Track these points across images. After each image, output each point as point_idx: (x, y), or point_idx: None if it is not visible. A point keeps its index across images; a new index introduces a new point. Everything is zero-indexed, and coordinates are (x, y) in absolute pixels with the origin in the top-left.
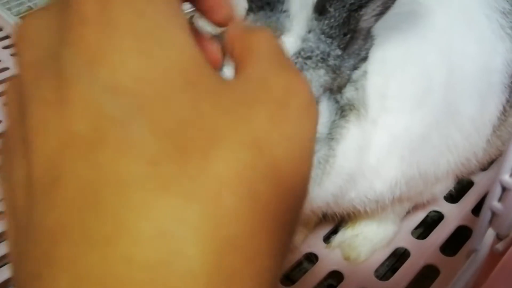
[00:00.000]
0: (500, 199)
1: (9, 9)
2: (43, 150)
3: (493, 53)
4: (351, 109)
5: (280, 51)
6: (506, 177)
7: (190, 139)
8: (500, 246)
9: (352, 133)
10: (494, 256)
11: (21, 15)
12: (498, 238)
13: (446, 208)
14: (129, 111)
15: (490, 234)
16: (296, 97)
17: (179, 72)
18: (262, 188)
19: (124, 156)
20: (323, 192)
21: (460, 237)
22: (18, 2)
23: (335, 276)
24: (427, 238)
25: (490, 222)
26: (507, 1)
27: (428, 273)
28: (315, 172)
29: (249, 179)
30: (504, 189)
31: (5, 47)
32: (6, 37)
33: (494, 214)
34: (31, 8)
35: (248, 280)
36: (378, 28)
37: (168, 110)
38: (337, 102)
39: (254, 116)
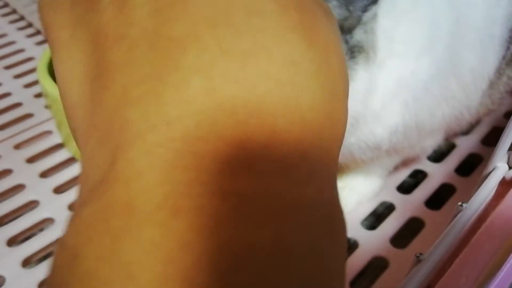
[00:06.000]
0: None
1: None
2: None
3: (497, 5)
4: (360, 52)
5: None
6: None
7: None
8: (511, 172)
9: (360, 75)
10: (505, 183)
11: None
12: (509, 166)
13: (430, 167)
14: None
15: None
16: None
17: None
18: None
19: None
20: None
21: (443, 194)
22: None
23: None
24: (412, 194)
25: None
26: None
27: (413, 225)
28: None
29: None
30: None
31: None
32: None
33: None
34: None
35: None
36: None
37: None
38: (347, 43)
39: None
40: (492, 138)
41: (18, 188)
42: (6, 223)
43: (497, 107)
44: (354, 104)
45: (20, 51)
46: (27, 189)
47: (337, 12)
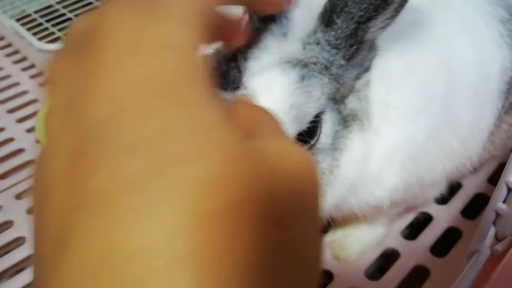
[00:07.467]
0: (505, 201)
1: (4, 12)
2: (57, 206)
3: (491, 61)
4: (354, 120)
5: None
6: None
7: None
8: (499, 247)
9: (355, 144)
10: (493, 257)
11: (15, 18)
12: (497, 239)
13: (435, 209)
14: (148, 173)
15: (489, 235)
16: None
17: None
18: None
19: (145, 220)
20: (325, 202)
21: (449, 239)
22: (12, 5)
23: (325, 276)
24: (417, 239)
25: (494, 223)
26: (506, 10)
27: (418, 274)
28: None
29: None
30: (509, 190)
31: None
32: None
33: (498, 215)
34: (24, 11)
35: None
36: (380, 37)
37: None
38: (340, 112)
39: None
40: (499, 176)
41: (18, 240)
42: (7, 278)
43: (500, 153)
44: (350, 171)
45: (24, 92)
46: (28, 242)
47: (328, 87)
